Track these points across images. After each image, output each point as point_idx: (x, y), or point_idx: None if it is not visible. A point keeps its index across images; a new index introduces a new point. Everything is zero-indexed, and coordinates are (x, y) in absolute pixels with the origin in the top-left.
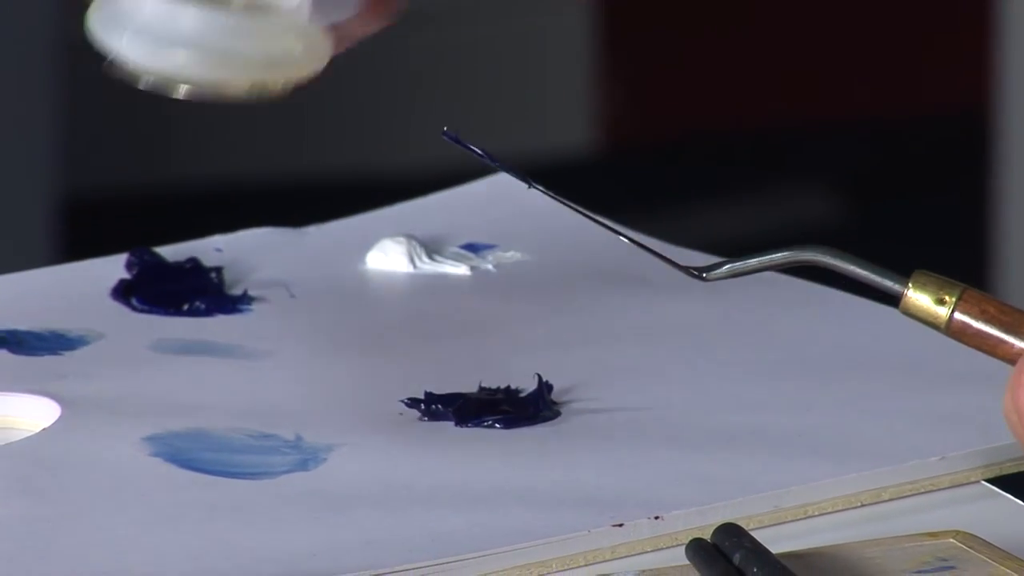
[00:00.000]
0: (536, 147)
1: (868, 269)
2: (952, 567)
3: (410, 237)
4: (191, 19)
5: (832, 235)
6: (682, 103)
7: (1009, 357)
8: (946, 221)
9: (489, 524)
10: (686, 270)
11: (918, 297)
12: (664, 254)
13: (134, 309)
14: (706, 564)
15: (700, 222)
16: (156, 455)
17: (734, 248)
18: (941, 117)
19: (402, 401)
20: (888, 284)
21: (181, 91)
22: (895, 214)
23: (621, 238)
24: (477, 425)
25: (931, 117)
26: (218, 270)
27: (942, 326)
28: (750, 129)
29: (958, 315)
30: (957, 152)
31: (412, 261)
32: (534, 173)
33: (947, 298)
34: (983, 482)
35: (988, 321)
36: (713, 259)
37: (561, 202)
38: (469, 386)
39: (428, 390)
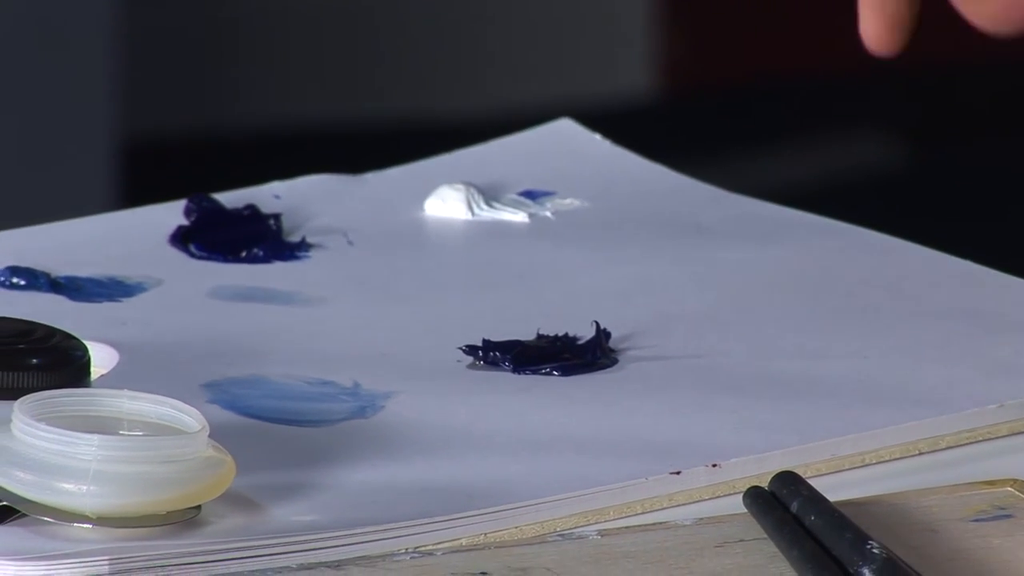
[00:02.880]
0: (597, 92)
1: None
2: (1009, 515)
3: (468, 184)
4: (86, 447)
5: (892, 182)
6: (744, 48)
7: None
8: (1006, 168)
9: (546, 471)
10: None
11: None
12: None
13: (192, 256)
14: (763, 512)
15: (761, 168)
16: (214, 402)
17: (795, 195)
18: (1007, 64)
19: (460, 348)
20: None
21: (86, 524)
22: (956, 162)
23: None
24: (535, 372)
25: (997, 64)
26: (276, 217)
27: None
28: (813, 74)
29: None
30: (1021, 100)
31: (470, 208)
32: (595, 117)
33: None
34: None
35: None
36: (773, 207)
37: None
38: (527, 333)
39: (485, 337)
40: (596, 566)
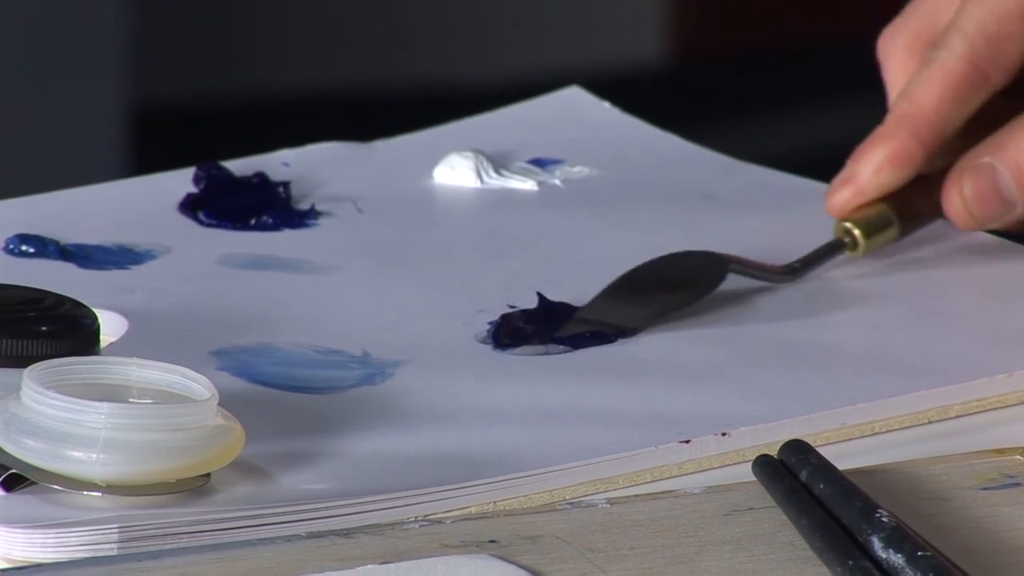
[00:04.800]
0: (607, 57)
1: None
2: (1018, 483)
3: (477, 152)
4: (95, 415)
5: None
6: (754, 14)
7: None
8: None
9: (555, 440)
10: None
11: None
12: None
13: (201, 223)
14: (772, 481)
15: (772, 135)
16: (223, 369)
17: (805, 162)
18: None
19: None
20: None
21: (95, 492)
22: None
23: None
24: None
25: None
26: (285, 184)
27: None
28: (824, 40)
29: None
30: None
31: (479, 176)
32: (604, 84)
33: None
34: None
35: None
36: (782, 176)
37: None
38: (534, 301)
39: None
40: (605, 534)
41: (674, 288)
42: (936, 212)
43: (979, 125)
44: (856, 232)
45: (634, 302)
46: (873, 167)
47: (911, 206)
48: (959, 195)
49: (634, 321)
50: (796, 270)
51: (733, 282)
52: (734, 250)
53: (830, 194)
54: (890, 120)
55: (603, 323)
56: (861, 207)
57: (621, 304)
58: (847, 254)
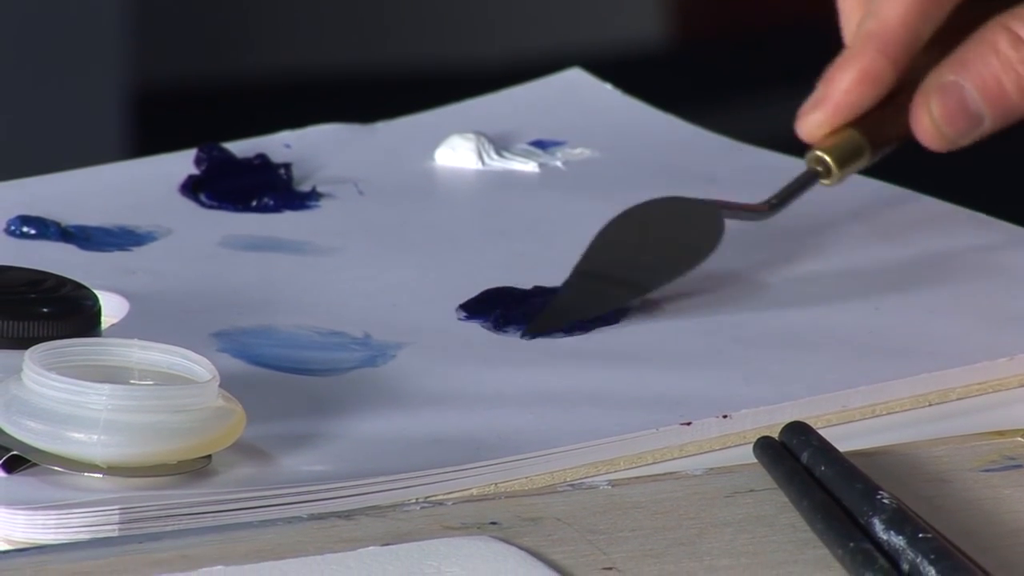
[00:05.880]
0: (608, 39)
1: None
2: (1019, 465)
3: (479, 133)
4: (96, 396)
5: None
6: None
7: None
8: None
9: (556, 422)
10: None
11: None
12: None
13: (203, 205)
14: (774, 463)
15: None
16: (224, 351)
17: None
18: None
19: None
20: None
21: (96, 474)
22: None
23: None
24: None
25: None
26: (287, 166)
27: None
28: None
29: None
30: None
31: (480, 158)
32: (606, 66)
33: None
34: None
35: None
36: (783, 158)
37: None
38: (535, 283)
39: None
40: (606, 516)
41: (676, 244)
42: (905, 134)
43: (944, 40)
44: (828, 160)
45: (639, 260)
46: (844, 87)
47: (881, 130)
48: (927, 115)
49: (646, 282)
50: (775, 205)
51: (735, 263)
52: (735, 231)
53: (801, 118)
54: (857, 39)
55: (611, 278)
56: (831, 134)
57: (623, 262)
58: (821, 183)
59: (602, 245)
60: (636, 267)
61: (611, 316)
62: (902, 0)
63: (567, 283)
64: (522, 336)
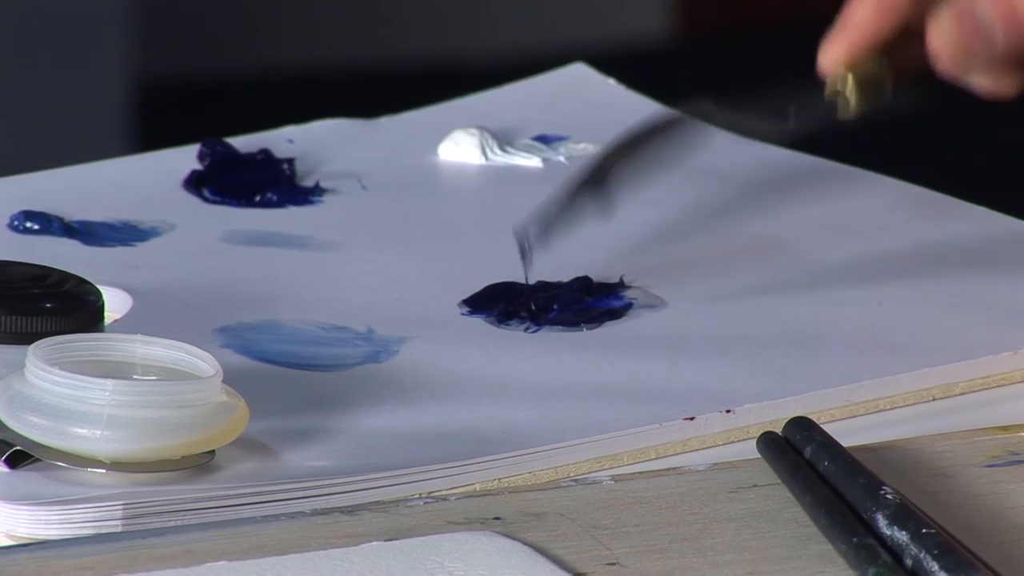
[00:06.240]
0: (612, 34)
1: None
2: (1023, 461)
3: (482, 129)
4: (99, 392)
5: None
6: None
7: None
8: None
9: (560, 417)
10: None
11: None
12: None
13: (206, 200)
14: (777, 458)
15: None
16: (227, 347)
17: (811, 140)
18: None
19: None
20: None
21: (99, 469)
22: (971, 106)
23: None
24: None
25: None
26: (290, 161)
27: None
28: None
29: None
30: None
31: (484, 153)
32: (609, 61)
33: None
34: None
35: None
36: (787, 153)
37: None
38: (538, 278)
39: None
40: (610, 511)
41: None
42: (925, 64)
43: None
44: (849, 83)
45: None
46: (862, 17)
47: (900, 60)
48: (942, 35)
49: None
50: (792, 126)
51: (739, 257)
52: (739, 226)
53: (823, 52)
54: None
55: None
56: (851, 65)
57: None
58: (841, 114)
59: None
60: (610, 170)
61: (617, 310)
62: None
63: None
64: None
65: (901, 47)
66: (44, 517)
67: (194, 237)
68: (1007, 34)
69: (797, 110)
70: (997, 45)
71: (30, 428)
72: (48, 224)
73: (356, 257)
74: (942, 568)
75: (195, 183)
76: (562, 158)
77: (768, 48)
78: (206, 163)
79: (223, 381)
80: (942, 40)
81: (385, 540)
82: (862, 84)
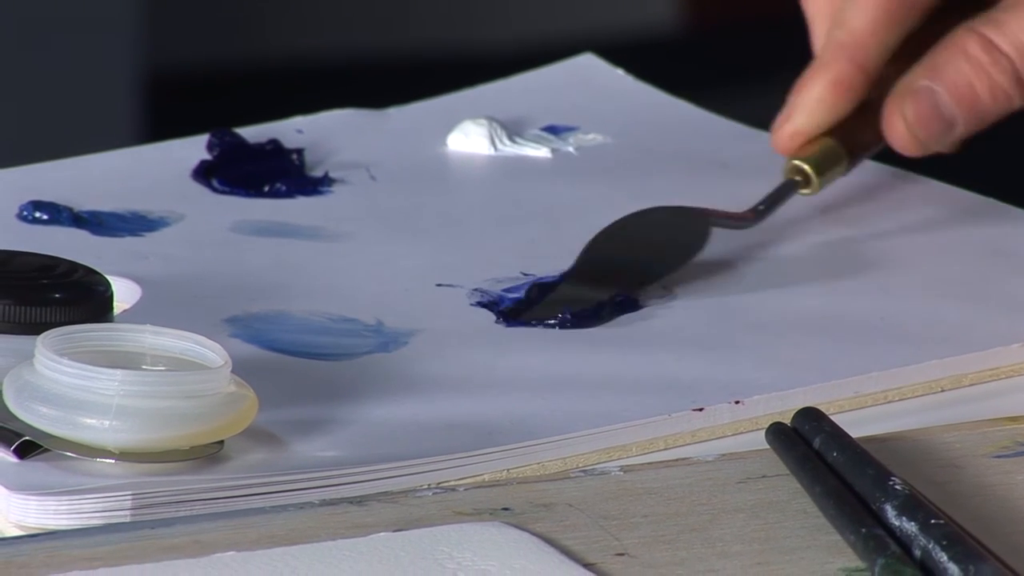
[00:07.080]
0: (621, 24)
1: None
2: None
3: (491, 119)
4: (109, 382)
5: None
6: None
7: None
8: None
9: (569, 408)
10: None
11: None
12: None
13: (215, 190)
14: (786, 448)
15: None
16: (236, 336)
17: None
18: None
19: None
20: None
21: (108, 459)
22: None
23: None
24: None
25: None
26: (299, 151)
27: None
28: None
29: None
30: None
31: (493, 143)
32: (618, 51)
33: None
34: None
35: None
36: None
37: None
38: (549, 269)
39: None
40: (618, 502)
41: (666, 246)
42: (881, 140)
43: (912, 49)
44: (807, 168)
45: (629, 260)
46: (815, 98)
47: (856, 137)
48: (901, 120)
49: (636, 278)
50: (760, 213)
51: (748, 248)
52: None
53: (775, 131)
54: (827, 49)
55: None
56: (807, 143)
57: (615, 262)
58: (800, 193)
59: (595, 248)
60: (626, 267)
61: (631, 304)
62: (870, 8)
63: (562, 276)
64: (499, 320)
65: (856, 125)
66: (53, 507)
67: (203, 227)
68: (967, 121)
69: (764, 200)
70: (957, 131)
71: (39, 418)
72: (57, 214)
73: (365, 248)
74: (951, 559)
75: (204, 173)
76: (571, 149)
77: (777, 39)
78: (215, 153)
79: (232, 371)
80: (901, 125)
81: (394, 530)
82: (818, 162)
